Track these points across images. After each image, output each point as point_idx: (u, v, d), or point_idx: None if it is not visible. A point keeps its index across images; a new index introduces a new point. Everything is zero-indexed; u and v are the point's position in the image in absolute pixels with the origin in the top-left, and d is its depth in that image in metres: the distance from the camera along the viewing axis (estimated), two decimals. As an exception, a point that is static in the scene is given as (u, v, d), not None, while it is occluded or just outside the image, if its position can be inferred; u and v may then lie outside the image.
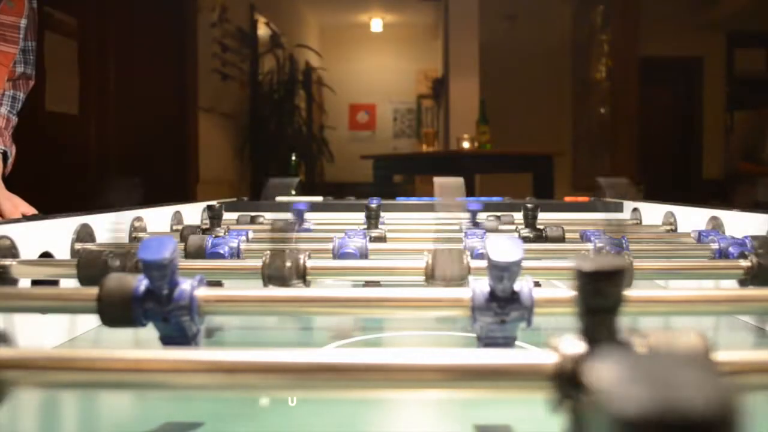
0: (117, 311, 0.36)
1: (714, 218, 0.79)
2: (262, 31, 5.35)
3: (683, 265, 0.57)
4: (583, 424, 0.15)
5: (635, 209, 1.11)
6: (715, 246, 0.65)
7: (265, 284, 0.49)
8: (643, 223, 1.06)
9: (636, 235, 0.88)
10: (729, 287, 0.59)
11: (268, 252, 0.50)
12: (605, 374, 0.14)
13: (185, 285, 0.36)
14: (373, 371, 0.24)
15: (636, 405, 0.13)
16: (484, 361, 0.24)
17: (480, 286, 0.35)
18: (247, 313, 0.45)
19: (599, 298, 0.22)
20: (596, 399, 0.14)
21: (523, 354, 0.24)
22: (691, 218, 0.87)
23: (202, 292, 0.37)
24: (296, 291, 0.38)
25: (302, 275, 0.49)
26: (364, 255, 0.60)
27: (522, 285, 0.35)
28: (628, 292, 0.38)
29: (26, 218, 0.61)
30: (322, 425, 0.38)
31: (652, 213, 1.03)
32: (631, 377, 0.14)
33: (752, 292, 0.40)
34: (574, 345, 0.22)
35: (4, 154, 1.10)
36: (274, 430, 0.37)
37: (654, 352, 0.16)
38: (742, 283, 0.52)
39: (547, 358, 0.23)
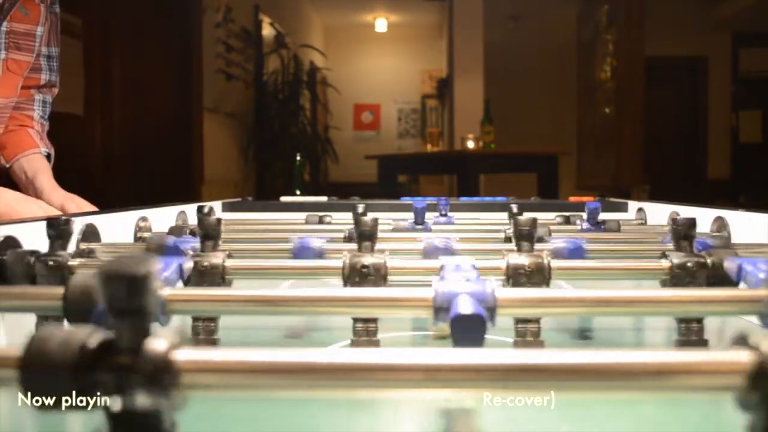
0: (82, 310, 0.36)
1: (719, 218, 0.78)
2: (267, 31, 5.35)
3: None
4: None
5: (640, 209, 1.10)
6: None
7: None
8: (648, 223, 1.06)
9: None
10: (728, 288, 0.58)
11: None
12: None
13: None
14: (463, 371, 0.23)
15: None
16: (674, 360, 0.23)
17: (441, 286, 0.35)
18: (214, 312, 0.44)
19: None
20: None
21: (715, 354, 0.23)
22: (696, 218, 0.86)
23: (168, 291, 0.37)
24: (263, 291, 0.38)
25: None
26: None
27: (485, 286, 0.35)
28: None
29: (31, 218, 0.61)
30: (319, 425, 0.38)
31: (657, 213, 1.03)
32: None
33: (741, 292, 0.40)
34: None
35: (48, 156, 1.12)
36: (269, 430, 0.37)
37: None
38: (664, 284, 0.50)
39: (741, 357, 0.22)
